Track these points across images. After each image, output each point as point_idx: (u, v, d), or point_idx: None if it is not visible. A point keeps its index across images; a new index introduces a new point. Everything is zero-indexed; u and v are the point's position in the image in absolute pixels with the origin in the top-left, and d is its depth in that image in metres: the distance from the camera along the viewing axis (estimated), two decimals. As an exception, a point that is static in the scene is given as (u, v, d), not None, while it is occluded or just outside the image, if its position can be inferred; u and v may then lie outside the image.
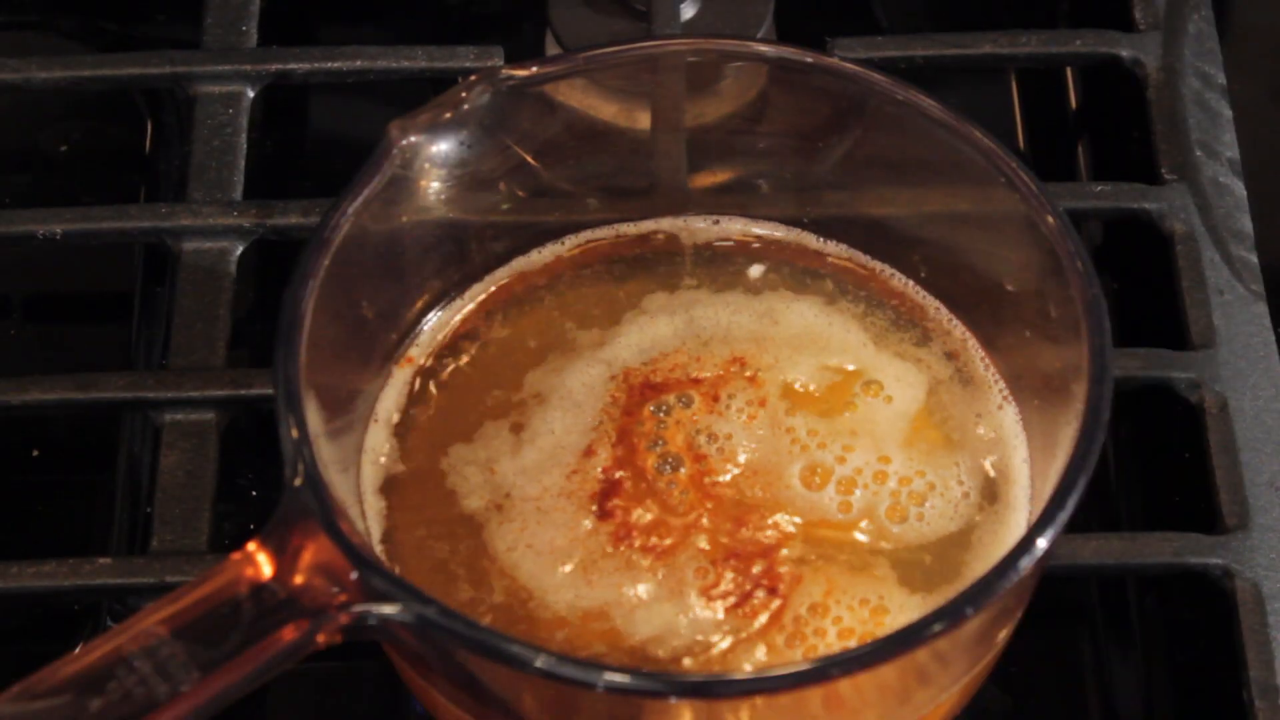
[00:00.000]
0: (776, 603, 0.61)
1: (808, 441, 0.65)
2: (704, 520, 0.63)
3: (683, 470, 0.64)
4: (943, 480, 0.64)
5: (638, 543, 0.62)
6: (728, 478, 0.64)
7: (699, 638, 0.61)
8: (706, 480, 0.63)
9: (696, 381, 0.66)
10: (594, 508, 0.63)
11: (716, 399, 0.65)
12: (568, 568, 0.62)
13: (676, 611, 0.61)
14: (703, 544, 0.62)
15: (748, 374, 0.66)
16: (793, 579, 0.62)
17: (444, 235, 0.67)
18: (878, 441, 0.65)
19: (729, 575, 0.62)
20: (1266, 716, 0.66)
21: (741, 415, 0.65)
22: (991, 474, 0.65)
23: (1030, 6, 0.90)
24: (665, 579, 0.61)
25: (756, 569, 0.62)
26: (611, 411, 0.65)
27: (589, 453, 0.64)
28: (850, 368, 0.67)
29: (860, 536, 0.63)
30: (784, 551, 0.62)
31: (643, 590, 0.61)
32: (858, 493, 0.64)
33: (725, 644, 0.61)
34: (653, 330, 0.67)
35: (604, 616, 0.61)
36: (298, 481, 0.57)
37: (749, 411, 0.65)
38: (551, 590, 0.61)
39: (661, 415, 0.65)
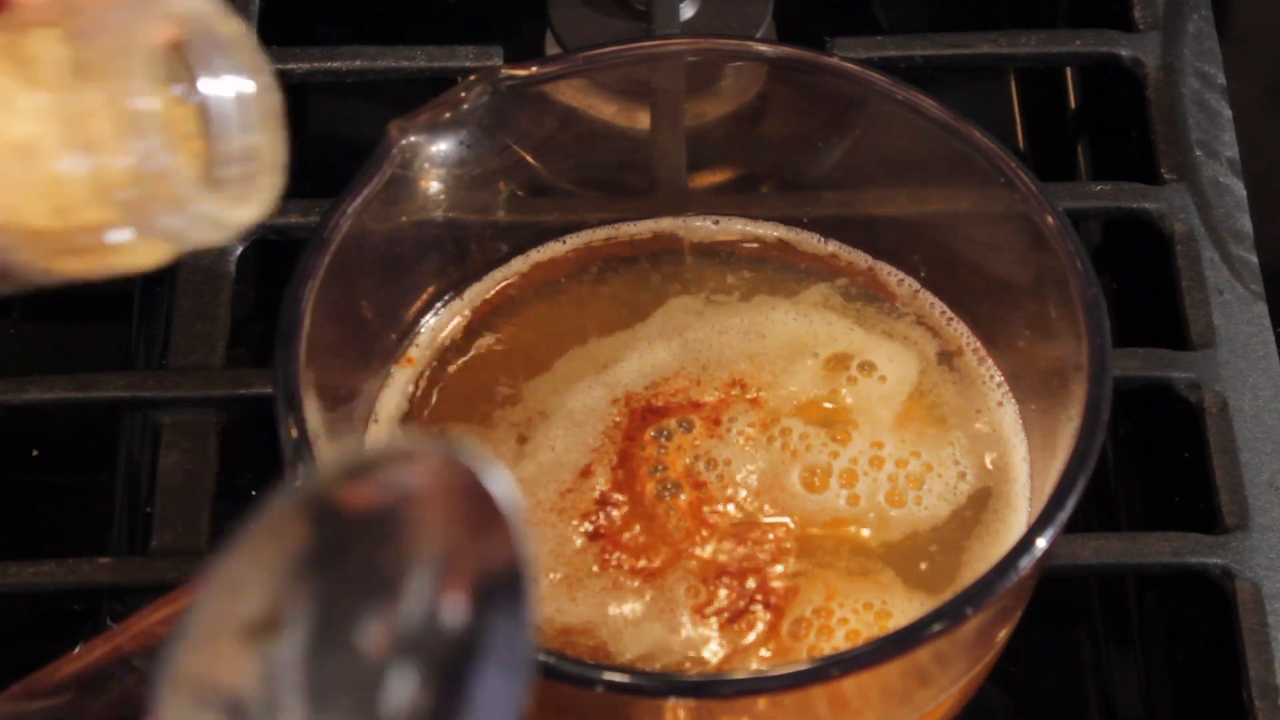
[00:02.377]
0: (770, 615, 0.61)
1: (797, 446, 0.64)
2: (697, 548, 0.62)
3: (682, 497, 0.63)
4: (939, 460, 0.64)
5: (626, 565, 0.62)
6: (730, 507, 0.63)
7: (691, 653, 0.60)
8: (705, 509, 0.63)
9: (697, 405, 0.65)
10: (585, 527, 0.63)
11: (718, 423, 0.65)
12: (551, 581, 0.62)
13: (667, 630, 0.60)
14: (693, 566, 0.62)
15: (749, 396, 0.66)
16: (789, 591, 0.61)
17: (444, 235, 0.67)
18: (875, 428, 0.65)
19: (723, 592, 0.61)
20: (1266, 716, 0.66)
21: (741, 438, 0.65)
22: (991, 471, 0.65)
23: (1030, 6, 0.90)
24: (654, 600, 0.61)
25: (751, 584, 0.61)
26: (613, 435, 0.65)
27: (586, 473, 0.64)
28: (844, 354, 0.66)
29: (864, 529, 0.63)
30: (779, 568, 0.62)
31: (629, 610, 0.61)
32: (861, 484, 0.64)
33: (718, 659, 0.60)
34: (652, 355, 0.67)
35: (589, 633, 0.61)
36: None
37: (748, 433, 0.65)
38: None
39: (663, 440, 0.64)
